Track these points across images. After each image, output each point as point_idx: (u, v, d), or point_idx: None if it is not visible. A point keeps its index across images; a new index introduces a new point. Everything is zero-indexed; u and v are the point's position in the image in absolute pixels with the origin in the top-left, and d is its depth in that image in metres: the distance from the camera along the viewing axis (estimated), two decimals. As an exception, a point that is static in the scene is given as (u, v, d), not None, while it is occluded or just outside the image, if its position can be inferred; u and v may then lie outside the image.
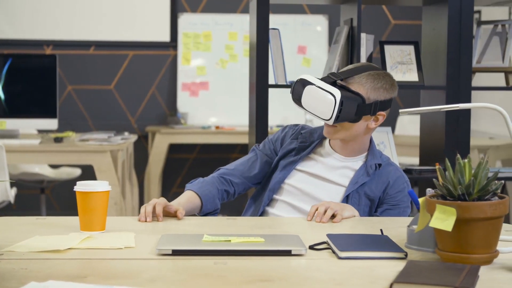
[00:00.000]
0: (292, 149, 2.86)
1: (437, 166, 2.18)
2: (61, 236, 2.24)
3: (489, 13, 6.39)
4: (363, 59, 3.66)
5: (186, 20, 7.24)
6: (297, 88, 2.74)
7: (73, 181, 6.72)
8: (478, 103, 2.16)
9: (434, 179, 2.03)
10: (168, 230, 2.37)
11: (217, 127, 6.97)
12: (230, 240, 2.10)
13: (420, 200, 2.06)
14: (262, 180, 2.91)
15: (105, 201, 2.32)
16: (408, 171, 3.78)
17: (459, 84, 3.67)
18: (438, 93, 3.78)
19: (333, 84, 2.70)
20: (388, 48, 3.77)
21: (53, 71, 5.49)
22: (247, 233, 2.26)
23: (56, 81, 5.50)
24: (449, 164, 2.00)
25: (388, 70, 3.73)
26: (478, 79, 3.77)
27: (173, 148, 7.09)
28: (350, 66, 2.79)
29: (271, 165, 2.89)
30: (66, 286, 1.69)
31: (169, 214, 2.56)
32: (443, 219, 1.90)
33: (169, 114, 7.16)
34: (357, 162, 2.81)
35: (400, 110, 2.20)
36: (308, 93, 2.71)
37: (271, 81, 3.63)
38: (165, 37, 7.27)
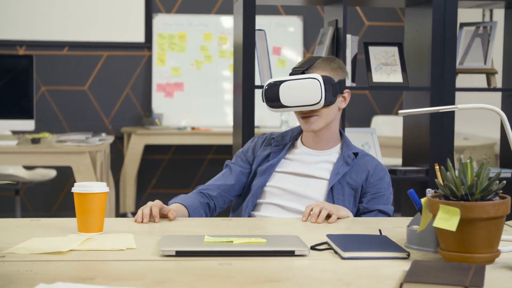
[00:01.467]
0: (267, 155, 2.90)
1: (437, 167, 2.20)
2: (59, 237, 2.23)
3: (463, 15, 6.46)
4: (348, 60, 3.68)
5: (160, 20, 7.22)
6: (270, 92, 2.76)
7: (48, 183, 6.69)
8: (476, 104, 2.19)
9: (436, 180, 2.05)
10: (165, 231, 2.36)
11: (192, 128, 6.96)
12: (232, 241, 2.10)
13: (423, 200, 2.08)
14: (240, 191, 2.93)
15: (103, 203, 2.31)
16: (392, 171, 3.81)
17: (443, 85, 3.70)
18: (422, 94, 3.81)
19: (302, 74, 2.78)
20: (372, 50, 3.80)
21: (30, 72, 5.45)
22: (245, 234, 2.26)
23: (33, 81, 5.46)
24: (450, 164, 2.02)
25: (373, 71, 3.76)
26: (460, 81, 3.80)
27: (148, 149, 7.06)
28: (303, 60, 2.86)
29: (246, 175, 2.91)
30: (75, 288, 1.69)
31: (165, 216, 2.57)
32: (447, 219, 1.92)
33: (144, 115, 7.13)
34: (333, 155, 2.87)
35: (399, 111, 2.21)
36: (286, 89, 2.74)
37: (257, 82, 3.63)
38: (140, 38, 7.24)
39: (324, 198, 2.78)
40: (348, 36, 3.67)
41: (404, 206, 4.06)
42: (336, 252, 2.07)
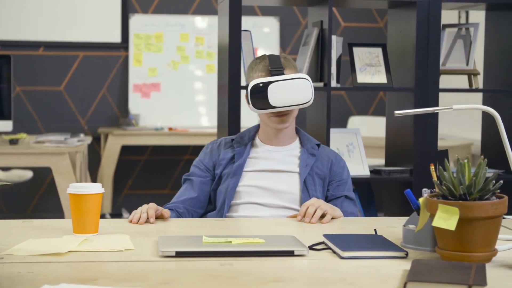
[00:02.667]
0: (231, 157, 2.90)
1: (432, 167, 2.22)
2: (55, 238, 2.22)
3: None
4: (333, 61, 3.70)
5: (137, 21, 7.19)
6: (257, 93, 2.77)
7: (24, 184, 6.63)
8: (471, 105, 2.21)
9: (434, 180, 2.07)
10: (160, 232, 2.36)
11: (170, 129, 6.94)
12: (231, 241, 2.11)
13: (421, 200, 2.10)
14: (206, 201, 2.91)
15: (98, 203, 2.30)
16: (376, 171, 3.83)
17: (427, 86, 3.73)
18: (405, 95, 3.84)
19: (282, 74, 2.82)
20: (356, 50, 3.81)
21: (7, 72, 5.40)
22: (240, 234, 2.26)
23: (11, 82, 5.41)
24: (448, 164, 2.04)
25: (357, 72, 3.78)
26: (442, 81, 3.83)
27: (124, 150, 7.03)
28: (270, 58, 2.86)
29: (209, 184, 2.90)
30: (80, 289, 1.68)
31: (158, 217, 2.58)
32: (446, 218, 1.94)
33: (120, 116, 7.10)
34: (295, 149, 2.92)
35: (396, 112, 2.23)
36: (275, 90, 2.75)
37: (243, 82, 3.63)
38: (116, 38, 7.20)
39: (298, 190, 2.83)
40: (333, 37, 3.69)
41: (387, 206, 4.08)
42: (334, 252, 2.09)
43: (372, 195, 3.95)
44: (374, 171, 3.85)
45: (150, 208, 2.54)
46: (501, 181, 2.02)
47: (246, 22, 7.18)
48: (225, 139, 2.98)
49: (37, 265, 1.92)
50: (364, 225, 2.55)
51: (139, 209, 2.55)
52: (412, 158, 3.77)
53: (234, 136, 2.97)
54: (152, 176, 7.29)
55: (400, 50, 3.90)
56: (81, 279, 1.79)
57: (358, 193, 3.81)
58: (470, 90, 3.89)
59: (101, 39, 7.19)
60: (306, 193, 2.81)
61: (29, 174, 6.40)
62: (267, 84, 2.77)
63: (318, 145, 2.93)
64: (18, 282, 1.75)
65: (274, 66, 2.83)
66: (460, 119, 6.35)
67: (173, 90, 7.21)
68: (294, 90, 2.78)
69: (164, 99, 7.20)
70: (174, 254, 2.01)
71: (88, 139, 5.79)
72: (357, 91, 5.62)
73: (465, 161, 2.01)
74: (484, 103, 4.11)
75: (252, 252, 2.03)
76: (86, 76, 7.19)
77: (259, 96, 2.78)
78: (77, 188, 2.29)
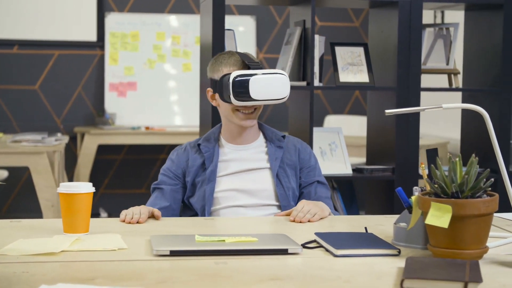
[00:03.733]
0: (202, 163, 2.88)
1: (422, 166, 2.24)
2: (46, 238, 2.21)
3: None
4: (316, 60, 3.71)
5: (113, 19, 7.16)
6: (239, 84, 2.75)
7: None
8: (460, 104, 2.23)
9: (425, 179, 2.09)
10: (151, 231, 2.36)
11: (147, 128, 6.92)
12: (224, 240, 2.11)
13: (413, 198, 2.12)
14: (178, 209, 2.89)
15: (89, 203, 2.30)
16: (358, 170, 3.85)
17: (409, 85, 3.76)
18: (387, 94, 3.87)
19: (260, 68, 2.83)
20: (338, 50, 3.83)
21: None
22: (231, 233, 2.27)
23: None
24: (440, 163, 2.06)
25: (340, 71, 3.80)
26: (422, 81, 3.87)
27: (100, 149, 7.00)
28: (240, 54, 2.88)
29: (180, 191, 2.88)
30: (78, 289, 1.68)
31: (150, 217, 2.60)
32: (439, 216, 1.96)
33: (96, 115, 7.07)
34: (261, 144, 2.93)
35: (386, 111, 2.25)
36: (256, 83, 2.75)
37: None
38: (92, 37, 7.17)
39: (272, 185, 2.84)
40: (316, 37, 3.70)
41: (369, 204, 4.11)
42: (327, 250, 2.10)
43: (354, 193, 3.97)
44: (356, 169, 3.87)
45: (143, 207, 2.56)
46: (492, 179, 2.05)
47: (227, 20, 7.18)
48: (189, 143, 2.95)
49: (32, 265, 1.91)
50: (352, 223, 2.56)
51: (131, 209, 2.55)
52: (394, 157, 3.80)
53: (199, 140, 2.94)
54: (128, 176, 7.27)
55: (381, 50, 3.93)
56: (78, 278, 1.79)
57: (340, 192, 3.83)
58: (452, 89, 3.93)
59: (76, 38, 7.15)
60: (280, 186, 2.83)
61: (4, 174, 6.35)
62: (249, 76, 2.76)
63: (283, 137, 2.94)
64: (15, 282, 1.74)
65: (250, 60, 2.84)
66: (436, 118, 6.40)
67: (150, 89, 7.19)
68: (274, 85, 2.79)
69: (141, 98, 7.18)
70: (168, 253, 2.01)
71: (65, 138, 5.76)
72: (334, 90, 5.64)
73: (457, 159, 2.03)
74: (463, 102, 4.15)
75: (246, 251, 2.04)
76: (61, 75, 7.15)
77: (241, 88, 2.75)
78: (67, 188, 2.28)
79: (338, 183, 3.83)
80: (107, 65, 7.14)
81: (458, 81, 3.96)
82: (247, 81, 2.75)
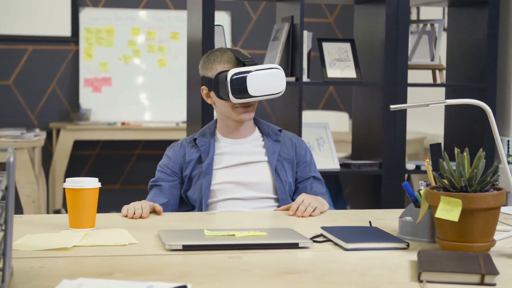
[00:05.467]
0: (198, 157, 2.89)
1: (427, 161, 2.27)
2: (54, 234, 2.21)
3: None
4: (304, 55, 3.73)
5: (87, 14, 7.12)
6: (237, 82, 2.76)
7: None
8: (464, 100, 2.27)
9: (434, 172, 2.12)
10: (154, 226, 2.36)
11: (123, 124, 6.89)
12: (234, 235, 2.13)
13: (422, 192, 2.15)
14: (177, 205, 2.90)
15: (95, 198, 2.30)
16: (345, 165, 3.88)
17: (396, 81, 3.80)
18: (374, 89, 3.90)
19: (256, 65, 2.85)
20: (326, 46, 3.86)
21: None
22: (234, 228, 2.28)
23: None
24: (447, 157, 2.09)
25: (327, 67, 3.82)
26: (408, 76, 3.91)
27: (75, 145, 6.95)
28: (233, 51, 2.89)
29: (178, 187, 2.90)
30: (99, 284, 1.68)
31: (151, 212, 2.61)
32: (449, 210, 1.99)
33: (71, 111, 7.02)
34: (257, 138, 2.95)
35: (391, 106, 2.28)
36: (253, 79, 2.77)
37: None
38: (66, 32, 7.11)
39: (271, 178, 2.86)
40: (304, 32, 3.72)
41: (353, 199, 4.15)
42: (336, 244, 2.12)
43: (340, 188, 4.01)
44: (343, 164, 3.90)
45: (143, 202, 2.57)
46: (499, 173, 2.08)
47: (198, 16, 7.17)
48: (185, 139, 2.96)
49: (47, 260, 1.90)
50: (353, 217, 2.59)
51: (132, 204, 2.55)
52: (380, 152, 3.84)
53: (195, 135, 2.95)
54: (104, 171, 7.23)
55: (368, 46, 3.96)
56: (97, 273, 1.79)
57: (327, 186, 3.86)
58: (438, 85, 3.97)
59: (50, 33, 7.09)
60: (278, 180, 2.85)
61: (-21, 170, 6.29)
62: (245, 74, 2.77)
63: (280, 131, 2.96)
64: (33, 277, 1.74)
65: (244, 57, 2.85)
66: (412, 113, 6.45)
67: (125, 84, 7.16)
68: (271, 79, 2.81)
69: (116, 94, 7.14)
70: (181, 247, 2.02)
71: (43, 134, 5.72)
72: (308, 86, 5.67)
73: (465, 154, 2.07)
74: (446, 97, 4.21)
75: (258, 245, 2.05)
76: (35, 70, 7.09)
77: (239, 86, 2.76)
78: (73, 183, 2.28)
79: (325, 178, 3.85)
80: (81, 60, 7.10)
81: (443, 77, 4.01)
82: (245, 78, 2.76)
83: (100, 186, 2.31)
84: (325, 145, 3.85)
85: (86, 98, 7.08)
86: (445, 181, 2.06)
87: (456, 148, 2.10)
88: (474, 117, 3.94)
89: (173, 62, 7.22)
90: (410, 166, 3.85)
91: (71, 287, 1.64)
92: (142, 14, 7.22)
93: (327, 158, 3.81)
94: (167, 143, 7.28)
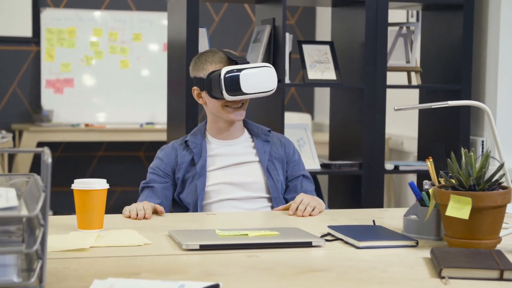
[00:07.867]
0: (191, 159, 2.92)
1: (429, 161, 2.33)
2: (64, 235, 2.21)
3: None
4: (286, 57, 3.77)
5: (49, 15, 7.05)
6: (231, 79, 2.80)
7: None
8: (466, 101, 2.34)
9: (442, 171, 2.18)
10: (162, 227, 2.38)
11: (86, 125, 6.85)
12: (247, 234, 2.16)
13: (430, 190, 2.21)
14: (169, 206, 2.92)
15: (103, 199, 2.31)
16: (326, 165, 3.94)
17: (375, 83, 3.86)
18: (352, 91, 3.96)
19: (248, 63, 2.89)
20: (306, 48, 3.91)
21: None
22: (237, 228, 2.31)
23: None
24: (454, 157, 2.15)
25: (308, 69, 3.87)
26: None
27: (38, 147, 6.88)
28: (224, 51, 2.92)
29: (171, 188, 2.91)
30: (130, 283, 1.69)
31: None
32: (459, 208, 2.05)
33: (33, 112, 6.95)
34: (247, 139, 3.00)
35: (395, 107, 2.33)
36: (246, 77, 2.81)
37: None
38: (27, 33, 7.04)
39: (263, 178, 2.91)
40: (286, 34, 3.77)
41: (332, 199, 4.20)
42: (346, 242, 2.16)
43: (319, 188, 4.05)
44: (323, 165, 3.95)
45: (145, 203, 2.59)
46: (505, 173, 2.15)
47: (161, 17, 7.17)
48: (175, 142, 2.98)
49: (68, 261, 1.91)
50: (352, 216, 2.64)
51: (134, 205, 2.56)
52: (359, 152, 3.90)
53: (186, 137, 2.97)
54: (66, 173, 7.15)
55: (346, 48, 4.02)
56: (125, 273, 1.80)
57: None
58: (413, 86, 4.06)
59: (11, 33, 7.01)
60: (270, 179, 2.90)
61: None
62: (239, 71, 2.81)
63: (269, 131, 3.01)
64: (63, 278, 1.75)
65: (236, 56, 2.89)
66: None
67: (87, 85, 7.12)
68: (264, 77, 2.86)
69: (78, 95, 7.09)
70: (198, 247, 2.04)
71: (9, 136, 5.66)
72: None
73: (471, 153, 2.13)
74: (420, 99, 4.29)
75: (274, 244, 2.09)
76: (-5, 71, 7.00)
77: (233, 83, 2.79)
78: (82, 184, 2.29)
79: (305, 179, 3.90)
80: (43, 61, 7.03)
81: (419, 79, 4.09)
82: (238, 76, 2.80)
83: (108, 187, 2.32)
84: (306, 146, 3.90)
85: (48, 99, 7.01)
86: (453, 180, 2.12)
87: (463, 148, 2.16)
88: (444, 118, 4.03)
89: (135, 64, 7.20)
90: (389, 166, 3.92)
91: (104, 287, 1.66)
92: (105, 15, 7.18)
93: (308, 159, 3.86)
94: (130, 144, 7.31)
